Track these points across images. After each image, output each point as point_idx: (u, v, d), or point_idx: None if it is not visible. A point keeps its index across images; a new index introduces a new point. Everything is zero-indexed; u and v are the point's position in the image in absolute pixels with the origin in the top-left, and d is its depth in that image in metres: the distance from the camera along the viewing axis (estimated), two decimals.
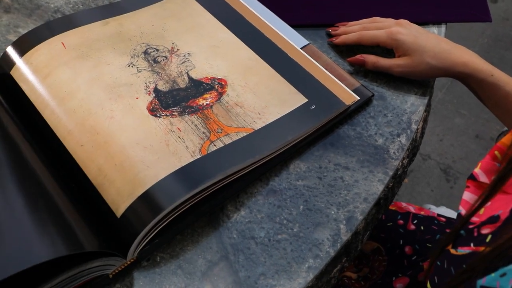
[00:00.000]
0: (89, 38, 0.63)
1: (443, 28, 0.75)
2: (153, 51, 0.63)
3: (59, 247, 0.43)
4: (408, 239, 0.77)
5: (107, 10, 0.68)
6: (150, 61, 0.62)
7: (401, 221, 0.80)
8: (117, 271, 0.49)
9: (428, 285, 0.48)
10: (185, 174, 0.51)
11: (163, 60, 0.63)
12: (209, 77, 0.61)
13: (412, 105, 0.66)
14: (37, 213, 0.45)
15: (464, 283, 0.41)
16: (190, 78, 0.61)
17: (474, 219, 0.45)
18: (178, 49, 0.64)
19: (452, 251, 0.45)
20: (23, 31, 0.70)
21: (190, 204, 0.51)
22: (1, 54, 0.63)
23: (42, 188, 0.48)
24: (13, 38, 0.69)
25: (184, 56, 0.63)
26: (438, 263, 0.47)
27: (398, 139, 0.62)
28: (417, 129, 0.64)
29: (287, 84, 0.62)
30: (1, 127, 0.53)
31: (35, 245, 0.42)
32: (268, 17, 0.70)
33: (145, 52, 0.63)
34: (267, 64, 0.63)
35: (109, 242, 0.48)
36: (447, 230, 0.76)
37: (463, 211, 0.48)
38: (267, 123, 0.57)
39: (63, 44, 0.62)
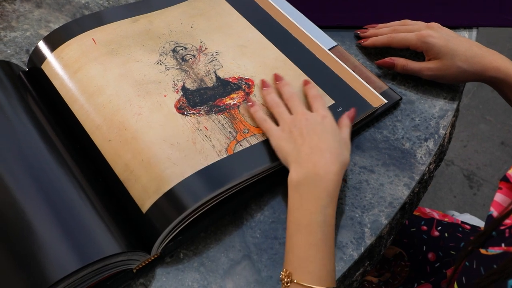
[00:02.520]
0: (119, 35, 0.64)
1: (474, 32, 0.73)
2: (182, 49, 0.64)
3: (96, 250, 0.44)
4: (432, 245, 0.76)
5: (137, 8, 0.68)
6: (179, 59, 0.62)
7: (425, 227, 0.79)
8: (141, 266, 0.50)
9: (455, 285, 0.48)
10: (210, 173, 0.51)
11: (191, 58, 0.63)
12: (237, 77, 0.61)
13: (440, 109, 0.65)
14: (70, 215, 0.46)
15: (494, 283, 0.40)
16: (218, 77, 0.61)
17: (506, 220, 0.45)
18: (206, 48, 0.64)
19: (483, 251, 0.45)
20: (54, 26, 0.71)
21: (215, 203, 0.51)
22: (33, 48, 0.63)
23: (74, 184, 0.49)
24: (45, 32, 0.70)
25: (212, 55, 0.63)
26: (467, 263, 0.46)
27: (426, 143, 0.62)
28: (445, 134, 0.63)
29: (314, 85, 0.61)
30: (36, 121, 0.54)
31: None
32: (296, 18, 0.70)
33: (174, 50, 0.63)
34: (294, 65, 0.63)
35: (134, 237, 0.48)
36: (472, 238, 0.75)
37: (494, 213, 0.48)
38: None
39: (93, 40, 0.62)
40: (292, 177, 0.50)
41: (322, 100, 0.57)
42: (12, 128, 0.52)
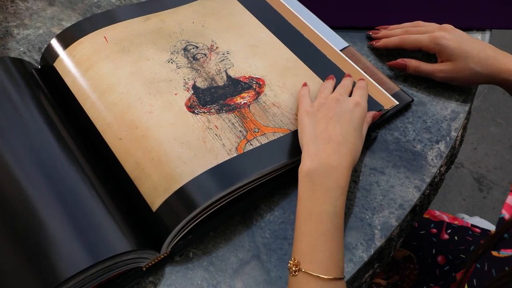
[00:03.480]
0: (130, 33, 0.64)
1: (487, 34, 0.73)
2: (193, 48, 0.64)
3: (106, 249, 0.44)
4: (441, 248, 0.76)
5: (148, 6, 0.69)
6: (190, 58, 0.62)
7: (434, 230, 0.78)
8: (150, 264, 0.50)
9: (466, 287, 0.47)
10: (221, 172, 0.51)
11: (202, 57, 0.63)
12: (247, 76, 0.61)
13: (452, 112, 0.64)
14: (80, 212, 0.46)
15: (506, 285, 0.40)
16: (229, 77, 0.61)
17: None
18: (217, 47, 0.64)
19: (494, 253, 0.44)
20: (66, 24, 0.72)
21: (225, 202, 0.51)
22: (46, 46, 0.64)
23: (85, 182, 0.49)
24: (57, 30, 0.70)
25: (223, 54, 0.63)
26: (478, 265, 0.46)
27: (437, 146, 0.61)
28: (457, 136, 0.63)
29: None
30: (48, 119, 0.54)
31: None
32: (308, 18, 0.70)
33: (185, 49, 0.63)
34: (305, 65, 0.63)
35: (144, 235, 0.49)
36: (482, 242, 0.74)
37: (506, 215, 0.47)
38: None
39: (105, 38, 0.63)
40: (305, 164, 0.50)
41: (364, 91, 0.57)
42: (25, 125, 0.52)
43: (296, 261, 0.47)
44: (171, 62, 0.62)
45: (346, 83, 0.58)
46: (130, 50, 0.62)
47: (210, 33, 0.66)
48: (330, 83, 0.59)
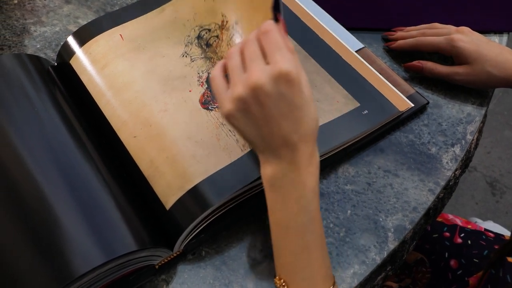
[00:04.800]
0: (146, 28, 0.64)
1: (504, 37, 0.72)
2: (206, 33, 0.63)
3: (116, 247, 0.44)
4: (454, 252, 0.75)
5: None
6: (203, 46, 0.62)
7: (447, 234, 0.78)
8: (163, 262, 0.50)
9: None
10: (234, 170, 0.51)
11: (215, 41, 0.62)
12: None
13: (468, 115, 0.64)
14: (95, 210, 0.47)
15: None
16: None
17: None
18: (227, 21, 0.64)
19: (510, 259, 0.44)
20: (82, 22, 0.72)
21: (238, 201, 0.51)
22: (62, 43, 0.64)
23: (100, 179, 0.50)
24: (73, 28, 0.71)
25: (233, 27, 0.63)
26: (493, 271, 0.46)
27: (452, 149, 0.61)
28: (472, 140, 0.62)
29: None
30: (64, 116, 0.55)
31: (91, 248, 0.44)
32: (323, 19, 0.70)
33: (198, 37, 0.63)
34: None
35: (157, 233, 0.49)
36: (496, 246, 0.73)
37: None
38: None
39: (121, 36, 0.63)
40: (266, 172, 0.43)
41: (276, 42, 0.41)
42: (41, 122, 0.53)
43: (282, 281, 0.44)
44: (185, 56, 0.62)
45: (251, 48, 0.42)
46: (146, 47, 0.62)
47: (220, 6, 0.65)
48: (236, 53, 0.43)
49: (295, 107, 0.40)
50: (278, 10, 0.44)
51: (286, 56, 0.40)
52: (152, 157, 0.53)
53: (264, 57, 0.41)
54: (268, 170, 0.43)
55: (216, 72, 0.43)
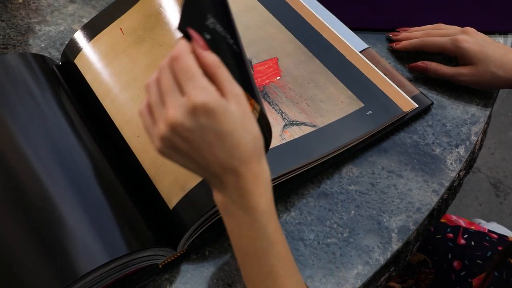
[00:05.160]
0: (143, 16, 0.62)
1: (509, 38, 0.72)
2: None
3: (118, 248, 0.44)
4: (457, 253, 0.75)
5: None
6: None
7: (451, 235, 0.78)
8: (166, 261, 0.50)
9: None
10: None
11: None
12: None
13: (472, 116, 0.64)
14: (99, 209, 0.47)
15: None
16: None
17: None
18: None
19: None
20: (86, 21, 0.72)
21: None
22: (66, 43, 0.64)
23: (104, 179, 0.50)
24: (78, 27, 0.71)
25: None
26: (496, 273, 0.45)
27: (457, 150, 0.61)
28: (477, 141, 0.62)
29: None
30: (68, 115, 0.55)
31: (96, 248, 0.44)
32: (327, 19, 0.69)
33: None
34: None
35: (161, 233, 0.49)
36: (500, 248, 0.73)
37: None
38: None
39: (121, 30, 0.62)
40: (217, 200, 0.41)
41: (194, 73, 0.37)
42: (45, 121, 0.53)
43: None
44: None
45: (164, 78, 0.38)
46: (144, 38, 0.61)
47: None
48: (153, 85, 0.39)
49: (224, 134, 0.37)
50: (183, 27, 0.39)
51: (199, 85, 0.37)
52: (155, 156, 0.52)
53: (178, 87, 0.38)
54: (218, 198, 0.41)
55: (142, 107, 0.40)
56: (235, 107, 0.37)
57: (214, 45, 0.39)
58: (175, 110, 0.37)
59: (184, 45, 0.38)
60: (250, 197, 0.39)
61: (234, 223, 0.41)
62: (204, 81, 0.37)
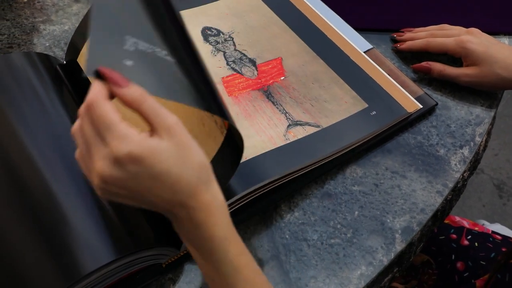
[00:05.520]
0: None
1: None
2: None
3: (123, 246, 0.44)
4: (461, 254, 0.75)
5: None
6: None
7: (454, 236, 0.78)
8: (170, 261, 0.50)
9: None
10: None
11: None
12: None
13: (477, 117, 0.64)
14: (102, 208, 0.47)
15: None
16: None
17: None
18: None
19: None
20: None
21: (244, 202, 0.51)
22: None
23: None
24: None
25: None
26: (499, 276, 0.45)
27: (461, 151, 0.60)
28: (481, 142, 0.62)
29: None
30: (72, 114, 0.55)
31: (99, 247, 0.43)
32: (332, 19, 0.69)
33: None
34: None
35: (164, 232, 0.49)
36: (503, 249, 0.73)
37: None
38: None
39: None
40: (176, 230, 0.40)
41: (110, 122, 0.35)
42: (50, 119, 0.53)
43: None
44: None
45: (85, 129, 0.36)
46: None
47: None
48: (77, 136, 0.38)
49: (159, 175, 0.35)
50: (92, 68, 0.35)
51: (118, 135, 0.34)
52: None
53: (100, 136, 0.35)
54: (176, 229, 0.40)
55: (76, 156, 0.39)
56: (167, 143, 0.35)
57: (139, 70, 0.35)
58: (101, 163, 0.34)
59: (97, 89, 0.35)
60: (205, 227, 0.38)
61: (195, 252, 0.40)
62: (122, 129, 0.34)
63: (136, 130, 0.35)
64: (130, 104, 0.35)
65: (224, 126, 0.46)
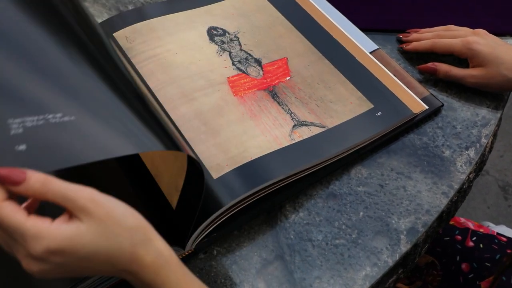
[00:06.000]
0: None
1: None
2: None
3: None
4: (466, 256, 0.75)
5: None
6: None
7: (459, 237, 0.77)
8: None
9: None
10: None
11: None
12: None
13: (483, 118, 0.63)
14: None
15: None
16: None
17: None
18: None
19: None
20: (97, 19, 0.72)
21: (250, 202, 0.51)
22: None
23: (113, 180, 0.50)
24: None
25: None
26: (503, 278, 0.45)
27: (467, 152, 0.60)
28: (487, 143, 0.62)
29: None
30: None
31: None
32: (338, 20, 0.69)
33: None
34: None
35: (168, 232, 0.49)
36: (509, 251, 0.73)
37: None
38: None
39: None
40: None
41: (15, 227, 0.33)
42: None
43: None
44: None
45: (0, 237, 0.35)
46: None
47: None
48: None
49: (87, 258, 0.34)
50: None
51: (29, 236, 0.33)
52: (152, 157, 0.53)
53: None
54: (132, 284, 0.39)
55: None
56: (86, 225, 0.33)
57: (37, 151, 0.32)
58: (26, 261, 0.34)
59: None
60: (155, 286, 0.37)
61: None
62: (30, 228, 0.32)
63: (48, 222, 0.33)
64: (34, 197, 0.34)
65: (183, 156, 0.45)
